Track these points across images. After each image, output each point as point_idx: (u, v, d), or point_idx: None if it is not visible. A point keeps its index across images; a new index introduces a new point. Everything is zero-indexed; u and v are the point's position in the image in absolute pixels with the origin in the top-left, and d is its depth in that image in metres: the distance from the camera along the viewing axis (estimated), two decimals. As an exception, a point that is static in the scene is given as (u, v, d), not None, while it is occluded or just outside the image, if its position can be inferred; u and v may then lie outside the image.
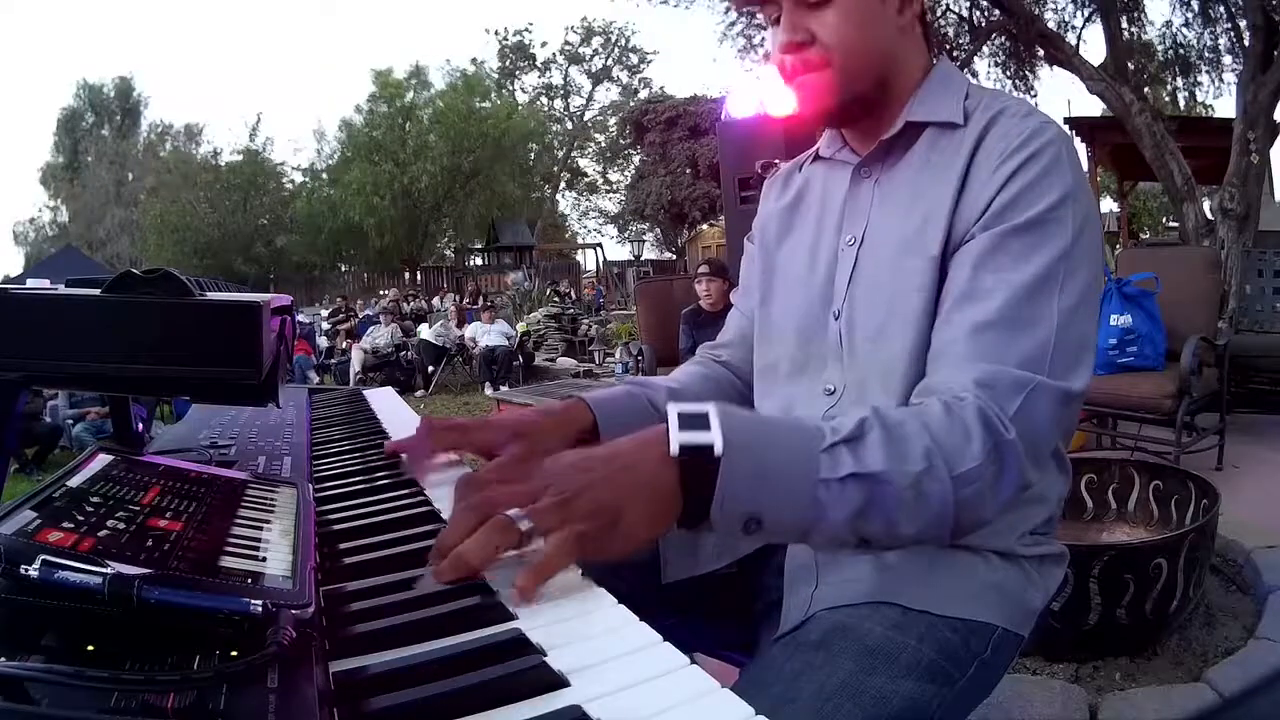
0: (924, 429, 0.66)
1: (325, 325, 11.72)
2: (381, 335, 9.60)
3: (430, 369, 9.18)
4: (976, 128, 0.81)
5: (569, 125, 31.14)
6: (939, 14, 7.73)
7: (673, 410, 0.62)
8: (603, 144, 30.81)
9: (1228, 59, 8.15)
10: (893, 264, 0.82)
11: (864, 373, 0.83)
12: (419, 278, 23.13)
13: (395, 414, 1.22)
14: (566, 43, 30.61)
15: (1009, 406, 0.69)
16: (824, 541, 0.65)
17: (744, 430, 0.62)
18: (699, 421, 0.61)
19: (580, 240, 29.72)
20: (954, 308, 0.76)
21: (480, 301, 12.32)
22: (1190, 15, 8.32)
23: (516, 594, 0.53)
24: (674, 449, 0.60)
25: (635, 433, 0.64)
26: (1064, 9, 7.90)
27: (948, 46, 7.83)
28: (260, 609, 0.43)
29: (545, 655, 0.46)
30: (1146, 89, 7.83)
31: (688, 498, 0.60)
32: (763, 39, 8.80)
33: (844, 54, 0.81)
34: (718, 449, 0.60)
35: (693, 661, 0.46)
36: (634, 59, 30.75)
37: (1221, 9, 7.86)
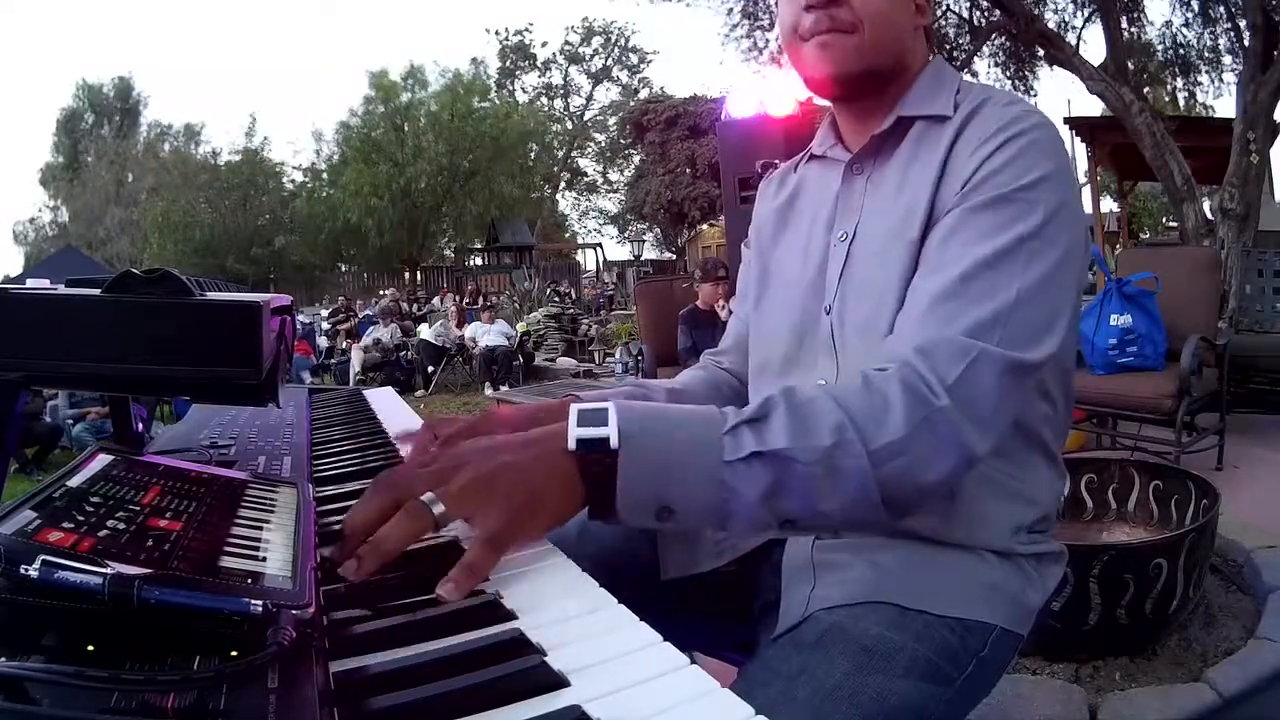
0: (835, 404, 0.66)
1: (325, 325, 11.72)
2: (382, 335, 9.60)
3: (430, 369, 9.18)
4: (960, 117, 0.81)
5: (569, 125, 31.15)
6: (939, 14, 7.73)
7: (574, 408, 0.64)
8: (603, 144, 30.83)
9: (1228, 59, 8.17)
10: (880, 256, 0.82)
11: (856, 365, 0.83)
12: (419, 278, 23.13)
13: (395, 414, 1.22)
14: (566, 43, 30.66)
15: (949, 373, 0.67)
16: (744, 525, 0.65)
17: (641, 421, 0.63)
18: (597, 417, 0.63)
19: (580, 240, 29.75)
20: (917, 280, 0.76)
21: (480, 301, 12.32)
22: (1190, 15, 8.33)
23: (449, 591, 0.54)
24: (570, 443, 0.62)
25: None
26: (1064, 9, 7.92)
27: (948, 46, 7.84)
28: (260, 609, 0.43)
29: (545, 655, 0.46)
30: (1146, 89, 7.84)
31: (591, 490, 0.62)
32: (767, 40, 8.84)
33: (873, 23, 0.82)
34: (613, 442, 0.62)
35: (692, 661, 0.46)
36: (634, 59, 30.80)
37: (1221, 9, 7.87)
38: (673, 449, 0.63)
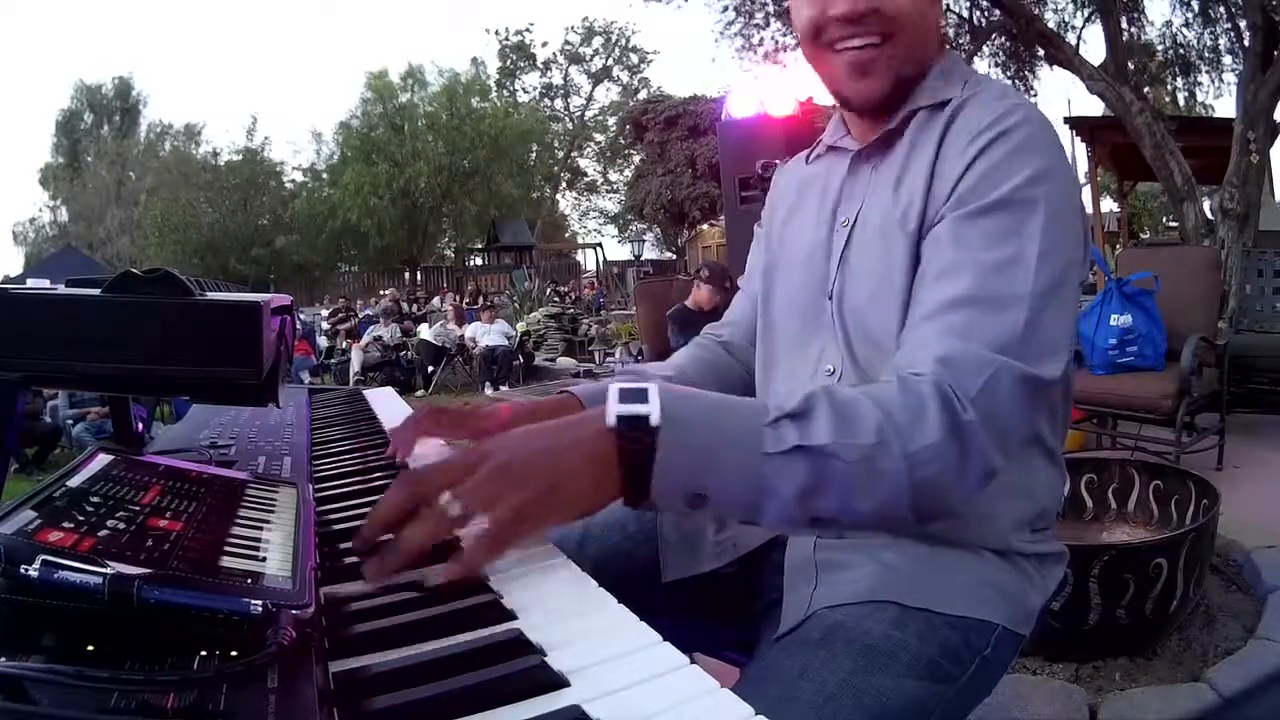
0: (876, 405, 0.64)
1: (325, 325, 11.72)
2: (382, 334, 9.61)
3: (430, 369, 9.19)
4: (952, 106, 0.81)
5: (569, 125, 31.17)
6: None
7: (613, 385, 0.62)
8: (602, 144, 30.84)
9: (1228, 59, 8.18)
10: (878, 244, 0.82)
11: (858, 353, 0.83)
12: (419, 278, 23.16)
13: (395, 414, 1.22)
14: (567, 43, 30.70)
15: (970, 386, 0.66)
16: (775, 520, 0.63)
17: (684, 404, 0.62)
18: (638, 395, 0.61)
19: (580, 240, 29.76)
20: (924, 286, 0.75)
21: (480, 301, 12.33)
22: (1190, 15, 8.35)
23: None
24: (610, 420, 0.60)
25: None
26: (1064, 9, 7.93)
27: (948, 47, 7.84)
28: (260, 609, 0.43)
29: (545, 655, 0.46)
30: (1146, 89, 7.83)
31: (627, 471, 0.60)
32: (761, 39, 8.82)
33: (910, 28, 0.80)
34: (654, 419, 0.59)
35: (693, 661, 0.46)
36: (634, 59, 30.87)
37: (1221, 9, 7.87)
38: (713, 434, 0.61)
